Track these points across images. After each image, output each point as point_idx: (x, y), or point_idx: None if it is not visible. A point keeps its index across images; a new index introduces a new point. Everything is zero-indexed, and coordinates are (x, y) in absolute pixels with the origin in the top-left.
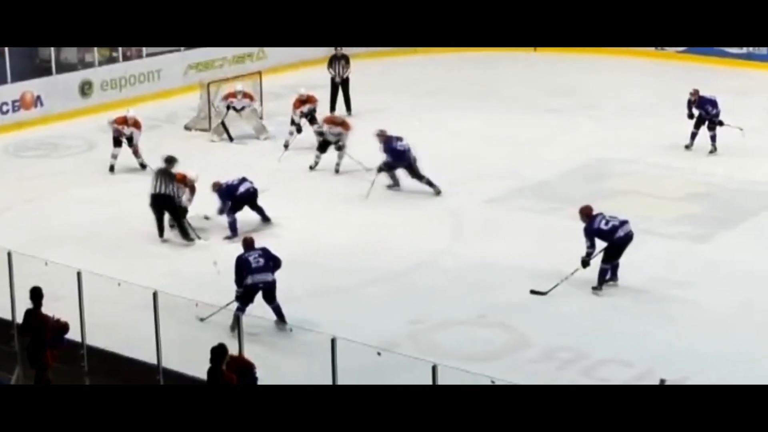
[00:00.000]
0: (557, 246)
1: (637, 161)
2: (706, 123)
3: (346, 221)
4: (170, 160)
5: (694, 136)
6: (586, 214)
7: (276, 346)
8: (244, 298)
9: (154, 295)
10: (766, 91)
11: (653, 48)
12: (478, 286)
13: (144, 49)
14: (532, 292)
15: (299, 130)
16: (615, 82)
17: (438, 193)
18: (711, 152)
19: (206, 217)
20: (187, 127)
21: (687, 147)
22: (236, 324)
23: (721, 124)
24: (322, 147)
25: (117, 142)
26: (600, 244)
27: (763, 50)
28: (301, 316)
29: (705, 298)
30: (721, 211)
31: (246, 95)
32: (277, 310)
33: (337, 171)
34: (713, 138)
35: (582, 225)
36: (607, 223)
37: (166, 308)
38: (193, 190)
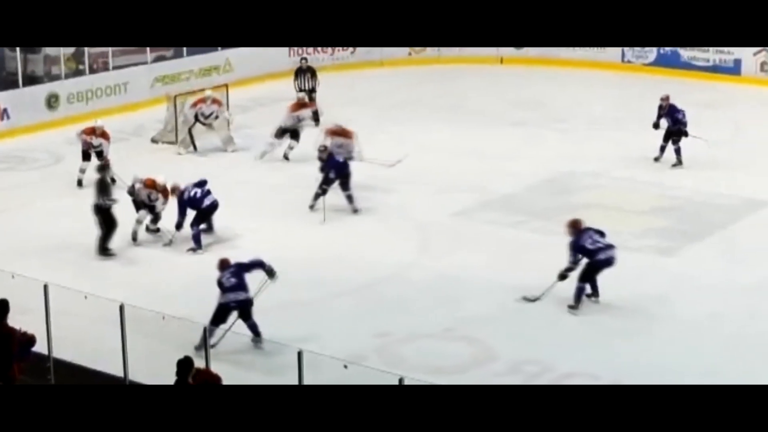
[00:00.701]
0: (524, 259)
1: (603, 174)
2: (675, 133)
3: (313, 234)
4: (102, 168)
5: (663, 149)
6: (575, 228)
7: (242, 360)
8: (216, 316)
9: (121, 308)
10: (733, 104)
11: (619, 61)
12: (445, 299)
13: (110, 61)
14: (524, 299)
15: (295, 135)
16: (581, 96)
17: (355, 211)
18: (675, 165)
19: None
20: (153, 140)
21: (656, 159)
22: (203, 340)
23: (686, 134)
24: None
25: (86, 156)
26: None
27: (729, 63)
28: (268, 329)
29: (672, 311)
30: (687, 224)
31: (215, 101)
32: (253, 328)
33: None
34: (678, 151)
35: (568, 238)
36: (593, 243)
37: (133, 321)
38: (166, 195)
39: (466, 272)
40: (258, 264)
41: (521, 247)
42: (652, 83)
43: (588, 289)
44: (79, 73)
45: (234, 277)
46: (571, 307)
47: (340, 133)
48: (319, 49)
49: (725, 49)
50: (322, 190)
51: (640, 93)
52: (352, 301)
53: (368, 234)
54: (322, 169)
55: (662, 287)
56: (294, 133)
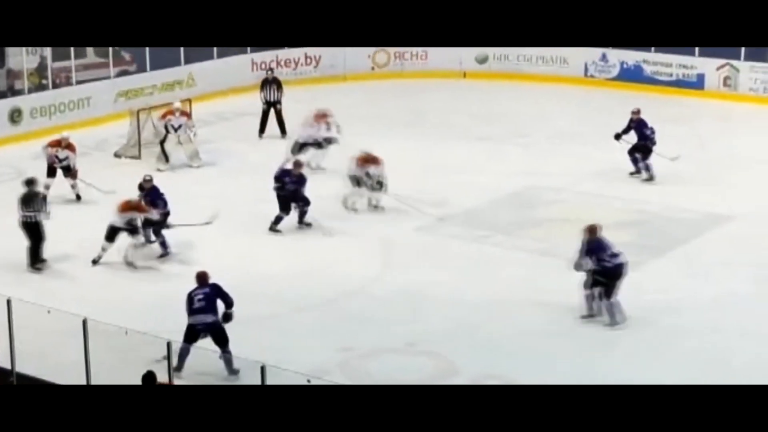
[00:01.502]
0: (487, 273)
1: (565, 189)
2: (640, 149)
3: (276, 248)
4: (30, 183)
5: (635, 161)
6: (592, 233)
7: (206, 374)
8: (187, 336)
9: (84, 322)
10: (696, 119)
11: (582, 75)
12: (408, 314)
13: (73, 76)
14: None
15: (320, 145)
16: (544, 110)
17: (308, 225)
18: (647, 180)
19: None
20: (117, 155)
21: (632, 173)
22: (168, 353)
23: (650, 152)
24: (357, 182)
25: (51, 171)
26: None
27: (692, 77)
28: (231, 343)
29: (634, 325)
30: (650, 239)
31: (183, 113)
32: (228, 362)
33: (375, 206)
34: (648, 168)
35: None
36: (610, 253)
37: (96, 336)
38: (143, 211)
39: (428, 287)
40: (229, 303)
41: (484, 262)
42: (615, 98)
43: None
44: (42, 87)
45: (205, 300)
46: (614, 323)
47: (371, 160)
48: (282, 62)
49: (688, 63)
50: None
51: (603, 108)
52: (316, 315)
53: (331, 249)
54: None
55: (624, 301)
56: (314, 146)
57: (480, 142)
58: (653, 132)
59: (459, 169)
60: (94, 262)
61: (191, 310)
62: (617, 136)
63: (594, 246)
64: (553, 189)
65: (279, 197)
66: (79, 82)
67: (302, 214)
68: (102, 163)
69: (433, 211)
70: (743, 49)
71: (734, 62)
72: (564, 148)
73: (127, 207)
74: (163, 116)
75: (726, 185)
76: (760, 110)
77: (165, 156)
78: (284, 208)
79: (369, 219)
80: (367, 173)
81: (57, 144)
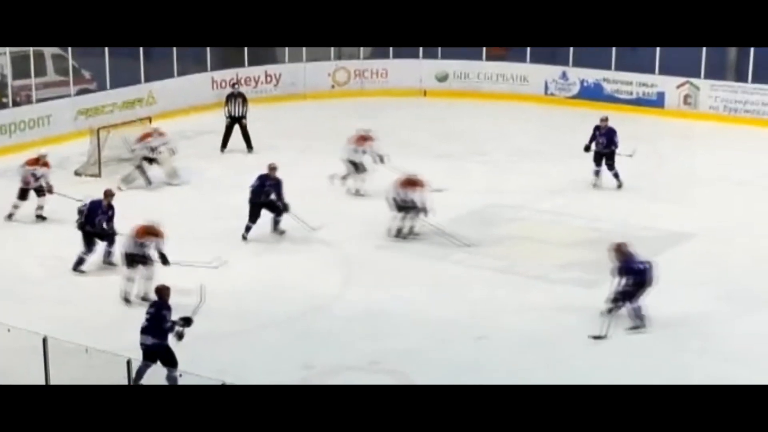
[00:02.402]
0: (448, 291)
1: (526, 207)
2: (604, 159)
3: (238, 265)
4: None
5: (598, 173)
6: (621, 251)
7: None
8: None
9: (44, 340)
10: (656, 137)
11: (542, 93)
12: (370, 332)
13: (34, 94)
14: (595, 337)
15: (359, 168)
16: (504, 128)
17: (282, 233)
18: (619, 187)
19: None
20: (77, 173)
21: (595, 185)
22: (128, 372)
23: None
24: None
25: (23, 194)
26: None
27: (653, 96)
28: (191, 360)
29: (595, 343)
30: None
31: (160, 134)
32: (172, 380)
33: (411, 233)
34: (617, 175)
35: (530, 274)
36: (641, 263)
37: (57, 354)
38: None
39: (391, 304)
40: (166, 327)
41: (445, 279)
42: (576, 116)
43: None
44: (2, 105)
45: (149, 319)
46: (636, 327)
47: (412, 183)
48: (243, 80)
49: (648, 82)
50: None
51: (563, 126)
52: (277, 333)
53: (294, 266)
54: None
55: (585, 320)
56: (356, 166)
57: (440, 160)
58: (617, 135)
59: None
60: (127, 300)
61: (141, 327)
62: (587, 149)
63: (626, 264)
64: (513, 207)
65: (253, 205)
66: (39, 101)
67: (277, 222)
68: (63, 181)
69: (472, 242)
70: (703, 67)
71: (694, 80)
72: (524, 166)
73: (145, 232)
74: (142, 139)
75: (686, 203)
76: (721, 128)
77: (146, 178)
78: (255, 217)
79: (330, 237)
80: (406, 198)
81: (35, 162)
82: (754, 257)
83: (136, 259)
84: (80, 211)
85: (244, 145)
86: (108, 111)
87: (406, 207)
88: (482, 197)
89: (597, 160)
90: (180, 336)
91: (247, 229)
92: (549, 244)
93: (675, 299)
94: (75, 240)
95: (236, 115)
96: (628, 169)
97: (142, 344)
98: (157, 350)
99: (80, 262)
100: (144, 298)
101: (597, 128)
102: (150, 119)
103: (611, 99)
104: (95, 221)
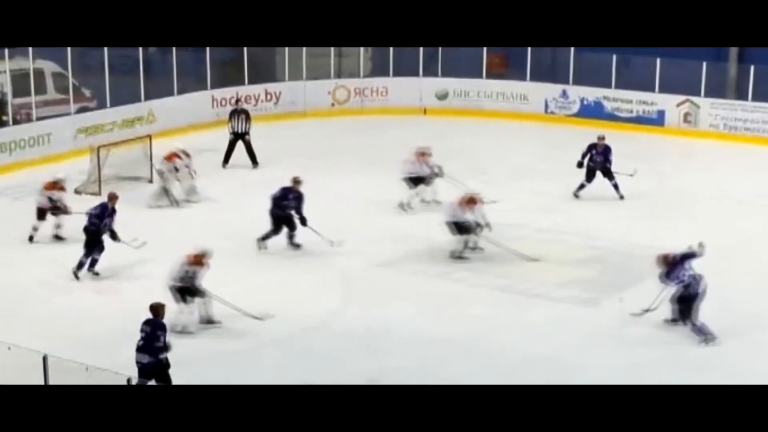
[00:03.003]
0: (447, 309)
1: (526, 225)
2: (600, 173)
3: (238, 283)
4: None
5: (583, 186)
6: (667, 261)
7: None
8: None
9: (44, 358)
10: (656, 156)
11: (542, 112)
12: (370, 350)
13: (34, 112)
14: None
15: (426, 181)
16: (504, 146)
17: (297, 246)
18: (621, 198)
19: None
20: (77, 191)
21: (576, 196)
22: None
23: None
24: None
25: (41, 214)
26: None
27: (653, 114)
28: (191, 380)
29: (592, 362)
30: (610, 275)
31: (187, 154)
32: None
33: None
34: (616, 186)
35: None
36: (688, 275)
37: (57, 372)
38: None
39: (390, 323)
40: (160, 347)
41: (445, 298)
42: (576, 134)
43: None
44: (2, 124)
45: (144, 338)
46: (706, 340)
47: (472, 201)
48: (243, 98)
49: (649, 100)
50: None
51: (563, 144)
52: (277, 351)
53: (294, 284)
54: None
55: (583, 338)
56: (419, 180)
57: (441, 178)
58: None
59: (420, 205)
60: (184, 331)
61: (136, 346)
62: (580, 165)
63: (670, 271)
64: (513, 225)
65: (275, 218)
66: (39, 119)
67: (291, 237)
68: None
69: (530, 256)
70: (703, 85)
71: (694, 99)
72: (524, 184)
73: (196, 261)
74: (169, 159)
75: (686, 221)
76: (721, 146)
77: (173, 199)
78: (277, 229)
79: (330, 255)
80: (464, 217)
81: (52, 186)
82: (754, 275)
83: (185, 291)
84: (91, 215)
85: (244, 161)
86: (108, 129)
87: (464, 228)
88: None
89: (589, 176)
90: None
91: (266, 236)
92: (549, 263)
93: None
94: (75, 258)
95: (240, 131)
96: (628, 188)
97: (137, 362)
98: (152, 369)
99: (81, 266)
100: (210, 321)
101: (594, 146)
102: (150, 137)
103: (611, 117)
104: (103, 224)
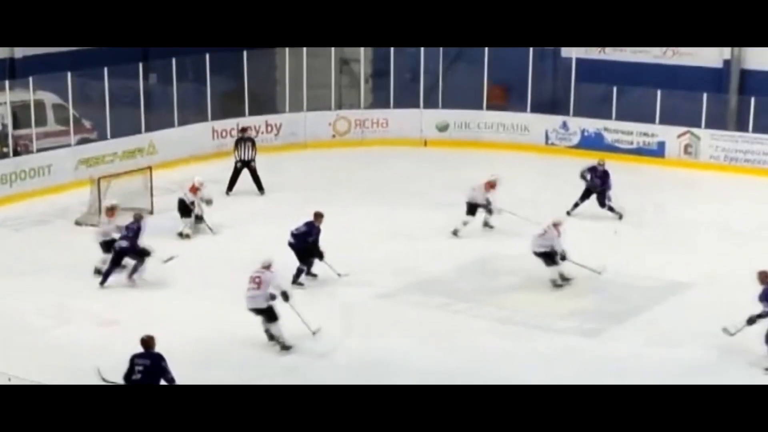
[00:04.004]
0: (449, 341)
1: (527, 256)
2: (596, 197)
3: (240, 315)
4: None
5: (577, 205)
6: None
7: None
8: None
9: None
10: (656, 187)
11: (543, 143)
12: (368, 382)
13: (34, 143)
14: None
15: (486, 210)
16: (505, 177)
17: (314, 276)
18: (620, 218)
19: None
20: (78, 222)
21: (568, 214)
22: None
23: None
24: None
25: (107, 247)
26: None
27: (653, 145)
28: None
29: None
30: (610, 306)
31: (203, 185)
32: None
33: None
34: (612, 209)
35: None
36: None
37: None
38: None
39: (390, 355)
40: (169, 380)
41: (446, 330)
42: (576, 166)
43: None
44: (2, 155)
45: (144, 372)
46: None
47: (558, 225)
48: (249, 136)
49: (649, 131)
50: None
51: (563, 175)
52: (276, 382)
53: (293, 315)
54: None
55: (585, 369)
56: (479, 208)
57: (441, 209)
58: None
59: (421, 236)
60: (285, 347)
61: (131, 381)
62: (583, 176)
63: None
64: (514, 256)
65: (298, 251)
66: (39, 150)
67: (308, 269)
68: (63, 230)
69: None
70: (704, 117)
71: (695, 130)
72: (525, 215)
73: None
74: (194, 192)
75: (686, 252)
76: (721, 178)
77: (209, 226)
78: (304, 260)
79: (330, 286)
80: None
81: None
82: (753, 307)
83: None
84: (129, 228)
85: (246, 188)
86: (109, 160)
87: (550, 256)
88: (483, 247)
89: (585, 195)
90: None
91: (299, 272)
92: (550, 294)
93: (672, 348)
94: (75, 289)
95: (246, 158)
96: (629, 219)
97: None
98: None
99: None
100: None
101: (593, 168)
102: (150, 169)
103: (612, 148)
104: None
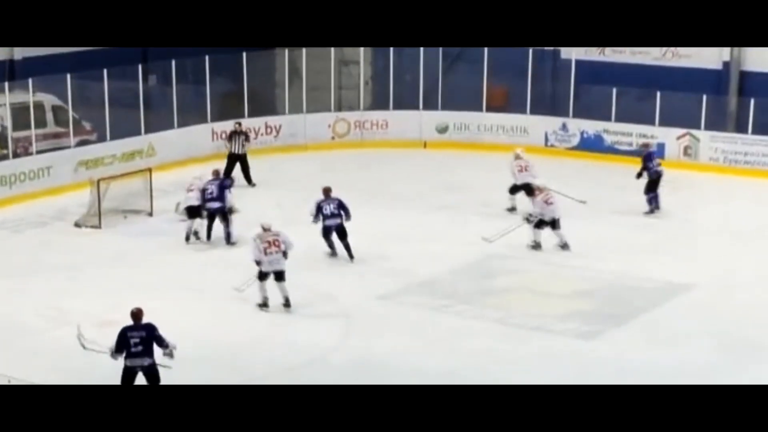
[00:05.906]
0: (447, 343)
1: (526, 258)
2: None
3: (235, 315)
4: None
5: (650, 200)
6: None
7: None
8: (124, 377)
9: None
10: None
11: (542, 145)
12: (369, 383)
13: (34, 145)
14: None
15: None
16: (505, 179)
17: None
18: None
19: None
20: (77, 224)
21: (647, 213)
22: None
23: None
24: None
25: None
26: None
27: (653, 147)
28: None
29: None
30: (610, 308)
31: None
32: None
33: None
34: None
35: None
36: None
37: None
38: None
39: (389, 356)
40: (164, 345)
41: (445, 331)
42: (576, 167)
43: None
44: (2, 157)
45: (141, 343)
46: None
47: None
48: (243, 130)
49: (649, 133)
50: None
51: (564, 177)
52: (275, 384)
53: (292, 317)
54: None
55: (584, 370)
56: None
57: (441, 211)
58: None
59: (420, 238)
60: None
61: (128, 353)
62: (639, 175)
63: None
64: (514, 258)
65: (337, 227)
66: (39, 152)
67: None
68: (62, 232)
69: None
70: (703, 118)
71: (694, 132)
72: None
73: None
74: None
75: (686, 254)
76: (721, 180)
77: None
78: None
79: (329, 287)
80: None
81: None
82: (754, 308)
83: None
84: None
85: (238, 183)
86: (108, 162)
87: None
88: (482, 249)
89: (649, 188)
90: (170, 356)
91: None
92: (549, 295)
93: (672, 350)
94: (74, 291)
95: (238, 152)
96: (629, 220)
97: (138, 366)
98: (151, 370)
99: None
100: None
101: (645, 155)
102: (150, 171)
103: (611, 150)
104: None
